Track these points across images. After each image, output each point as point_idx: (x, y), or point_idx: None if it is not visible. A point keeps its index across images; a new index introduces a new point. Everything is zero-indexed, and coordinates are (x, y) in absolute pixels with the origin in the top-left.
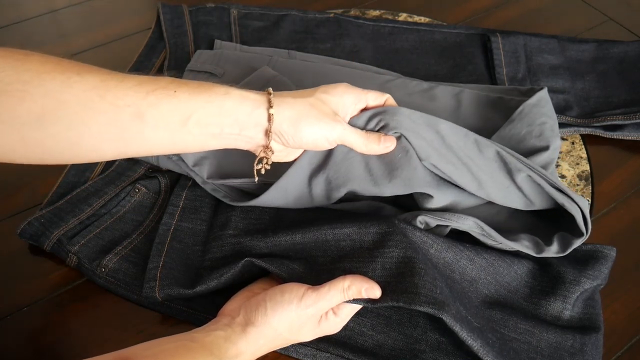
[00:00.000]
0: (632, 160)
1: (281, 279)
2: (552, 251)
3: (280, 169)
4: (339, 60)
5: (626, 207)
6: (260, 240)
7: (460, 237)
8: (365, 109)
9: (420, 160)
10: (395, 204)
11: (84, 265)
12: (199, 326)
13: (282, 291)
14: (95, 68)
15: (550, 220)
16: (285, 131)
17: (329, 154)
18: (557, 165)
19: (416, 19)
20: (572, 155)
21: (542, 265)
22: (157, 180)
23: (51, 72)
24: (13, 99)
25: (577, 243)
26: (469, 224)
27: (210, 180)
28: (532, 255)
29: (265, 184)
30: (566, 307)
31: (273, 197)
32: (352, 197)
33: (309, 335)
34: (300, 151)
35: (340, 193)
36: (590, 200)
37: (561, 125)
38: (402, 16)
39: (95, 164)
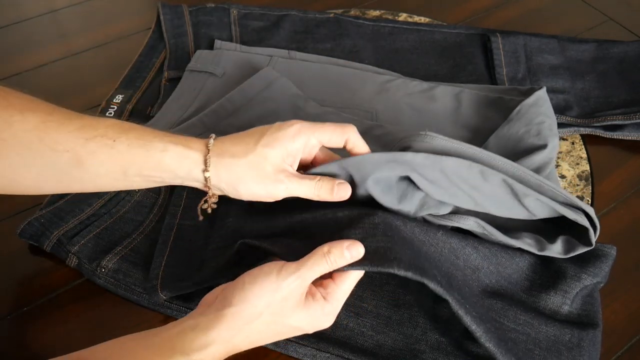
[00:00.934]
0: (632, 160)
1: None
2: (555, 251)
3: None
4: (339, 61)
5: (626, 207)
6: (260, 223)
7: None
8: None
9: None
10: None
11: (84, 265)
12: None
13: (262, 267)
14: (39, 105)
15: (553, 222)
16: (225, 189)
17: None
18: (557, 166)
19: (416, 19)
20: (572, 155)
21: (544, 260)
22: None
23: None
24: None
25: (581, 251)
26: (470, 223)
27: None
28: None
29: None
30: (565, 302)
31: None
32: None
33: (295, 318)
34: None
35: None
36: (590, 200)
37: (561, 125)
38: (402, 16)
39: None
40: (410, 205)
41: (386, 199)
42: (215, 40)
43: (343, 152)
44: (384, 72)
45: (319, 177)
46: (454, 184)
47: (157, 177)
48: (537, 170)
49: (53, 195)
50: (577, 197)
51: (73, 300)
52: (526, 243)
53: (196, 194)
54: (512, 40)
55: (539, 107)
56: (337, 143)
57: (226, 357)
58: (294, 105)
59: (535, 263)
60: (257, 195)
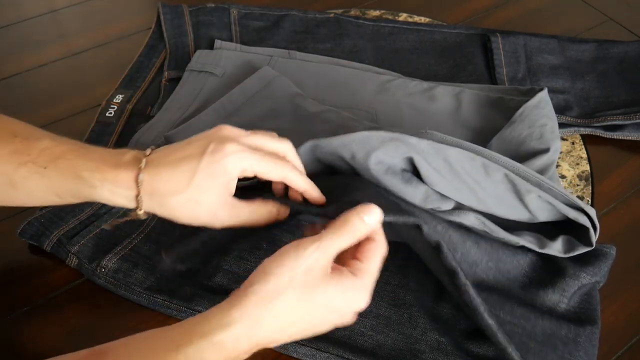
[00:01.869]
0: (632, 160)
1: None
2: (555, 249)
3: None
4: (339, 60)
5: (626, 207)
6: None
7: None
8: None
9: (427, 184)
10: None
11: (84, 265)
12: None
13: (281, 249)
14: None
15: (554, 223)
16: (162, 217)
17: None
18: (558, 166)
19: (416, 19)
20: (572, 155)
21: (544, 259)
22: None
23: None
24: None
25: (581, 251)
26: (471, 219)
27: None
28: (535, 250)
29: None
30: (563, 300)
31: None
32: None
33: (326, 292)
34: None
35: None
36: (590, 200)
37: (561, 125)
38: (402, 16)
39: None
40: (414, 193)
41: (391, 181)
42: (216, 40)
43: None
44: (384, 72)
45: (256, 203)
46: (457, 175)
47: (95, 202)
48: (539, 173)
49: None
50: (577, 197)
51: (73, 300)
52: (527, 240)
53: None
54: (512, 40)
55: (542, 109)
56: (275, 179)
57: (250, 346)
58: (293, 104)
59: (535, 261)
60: (196, 224)
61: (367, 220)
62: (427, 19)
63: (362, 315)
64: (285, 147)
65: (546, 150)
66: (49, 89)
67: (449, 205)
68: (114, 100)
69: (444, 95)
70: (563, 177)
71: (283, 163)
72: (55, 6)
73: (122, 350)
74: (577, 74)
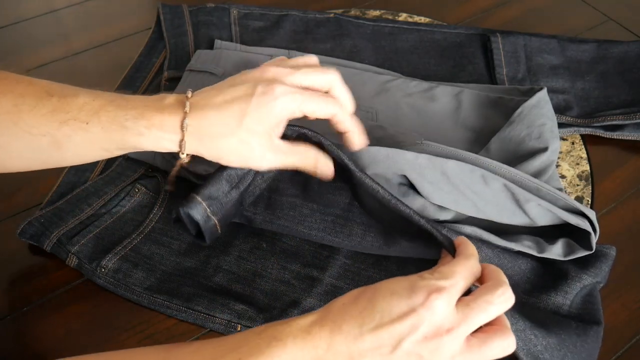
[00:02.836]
0: (632, 160)
1: None
2: (555, 253)
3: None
4: (339, 60)
5: (626, 207)
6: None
7: None
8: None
9: (424, 197)
10: None
11: (84, 265)
12: (200, 326)
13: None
14: (12, 85)
15: (553, 226)
16: (206, 158)
17: None
18: (557, 166)
19: (416, 19)
20: (572, 155)
21: (545, 263)
22: (157, 180)
23: None
24: None
25: (581, 254)
26: (467, 232)
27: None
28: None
29: None
30: (566, 302)
31: None
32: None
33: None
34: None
35: None
36: (590, 200)
37: (561, 125)
38: (402, 16)
39: (95, 163)
40: (410, 205)
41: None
42: (215, 40)
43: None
44: (384, 72)
45: (301, 148)
46: (455, 187)
47: (140, 150)
48: (538, 173)
49: (53, 195)
50: (577, 197)
51: (73, 300)
52: (525, 246)
53: None
54: (512, 40)
55: (541, 108)
56: (323, 117)
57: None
58: None
59: (537, 266)
60: (244, 167)
61: (504, 300)
62: (427, 19)
63: None
64: (332, 77)
65: (545, 150)
66: None
67: (447, 216)
68: None
69: (444, 95)
70: (563, 177)
71: (332, 100)
72: (55, 6)
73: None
74: (577, 74)
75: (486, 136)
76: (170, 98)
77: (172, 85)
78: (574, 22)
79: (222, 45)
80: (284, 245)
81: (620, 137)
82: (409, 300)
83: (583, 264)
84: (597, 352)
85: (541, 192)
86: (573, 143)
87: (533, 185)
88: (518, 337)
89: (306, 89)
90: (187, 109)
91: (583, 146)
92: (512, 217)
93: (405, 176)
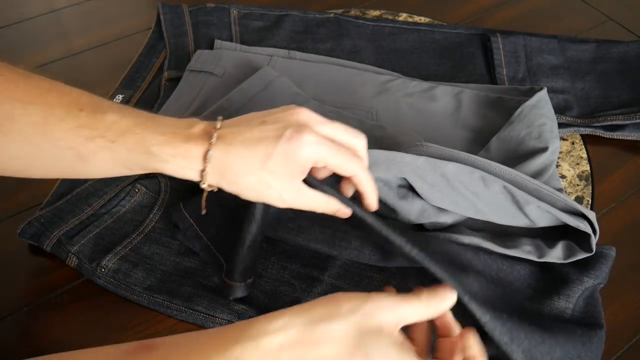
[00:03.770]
0: (632, 160)
1: None
2: (554, 256)
3: None
4: (339, 61)
5: (626, 207)
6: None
7: None
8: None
9: (423, 199)
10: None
11: (84, 265)
12: (200, 326)
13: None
14: (43, 95)
15: (553, 228)
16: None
17: None
18: (558, 166)
19: (416, 19)
20: (572, 155)
21: (544, 267)
22: (157, 180)
23: None
24: None
25: (581, 256)
26: (465, 242)
27: None
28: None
29: None
30: (569, 306)
31: None
32: None
33: (377, 353)
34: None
35: None
36: (590, 200)
37: (561, 125)
38: (402, 16)
39: None
40: (409, 209)
41: (387, 195)
42: (215, 40)
43: None
44: (384, 72)
45: (321, 196)
46: (455, 189)
47: (163, 173)
48: (538, 173)
49: (53, 195)
50: (577, 197)
51: (73, 300)
52: (525, 251)
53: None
54: (512, 40)
55: (540, 108)
56: (346, 175)
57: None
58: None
59: (536, 271)
60: (261, 202)
61: (443, 300)
62: (427, 19)
63: None
64: (360, 143)
65: (545, 149)
66: None
67: (446, 218)
68: (114, 100)
69: (444, 95)
70: (563, 177)
71: (357, 160)
72: (56, 6)
73: (171, 346)
74: (577, 74)
75: (486, 136)
76: (199, 126)
77: (172, 85)
78: (574, 22)
79: (222, 45)
80: (284, 246)
81: (620, 137)
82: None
83: (583, 266)
84: (599, 356)
85: (541, 193)
86: (573, 143)
87: (533, 186)
88: (525, 357)
89: (333, 141)
90: (214, 140)
91: (583, 146)
92: (511, 219)
93: (405, 178)
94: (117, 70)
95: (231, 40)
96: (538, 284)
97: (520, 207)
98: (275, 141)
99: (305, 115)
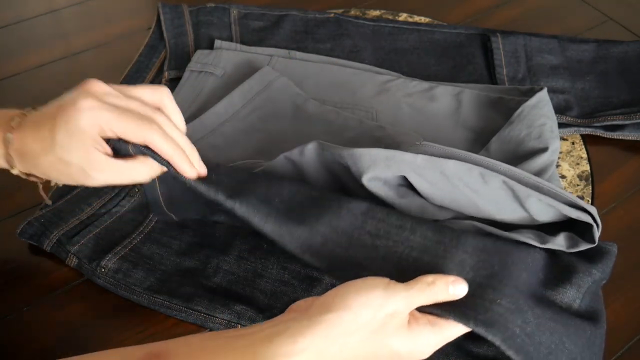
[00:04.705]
0: (632, 160)
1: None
2: (557, 244)
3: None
4: (339, 60)
5: (626, 207)
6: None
7: None
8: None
9: (423, 197)
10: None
11: (84, 265)
12: (200, 326)
13: (365, 279)
14: None
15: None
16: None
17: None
18: (558, 166)
19: (416, 19)
20: (572, 155)
21: (552, 256)
22: (156, 180)
23: None
24: None
25: (584, 247)
26: (465, 225)
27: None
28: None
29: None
30: (578, 296)
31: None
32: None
33: (397, 341)
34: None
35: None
36: (590, 200)
37: (561, 125)
38: (402, 16)
39: None
40: (409, 207)
41: (387, 193)
42: (215, 40)
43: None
44: (384, 72)
45: (136, 161)
46: (454, 187)
47: None
48: (538, 173)
49: (53, 195)
50: (577, 197)
51: (73, 300)
52: (526, 237)
53: None
54: (512, 40)
55: (540, 108)
56: (136, 141)
57: None
58: (294, 105)
59: (544, 257)
60: (73, 184)
61: (452, 291)
62: (427, 19)
63: None
64: (159, 95)
65: (545, 150)
66: (49, 89)
67: (447, 215)
68: None
69: (444, 96)
70: (563, 177)
71: (146, 124)
72: (55, 6)
73: (183, 351)
74: (577, 74)
75: (486, 136)
76: (10, 113)
77: (172, 85)
78: (574, 22)
79: (222, 45)
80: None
81: (620, 137)
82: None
83: (590, 259)
84: (601, 356)
85: (541, 188)
86: (573, 143)
87: (533, 182)
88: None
89: (118, 106)
90: (14, 123)
91: (583, 146)
92: (512, 214)
93: (404, 177)
94: (117, 70)
95: (231, 40)
96: (547, 269)
97: (520, 202)
98: (58, 111)
99: (93, 84)
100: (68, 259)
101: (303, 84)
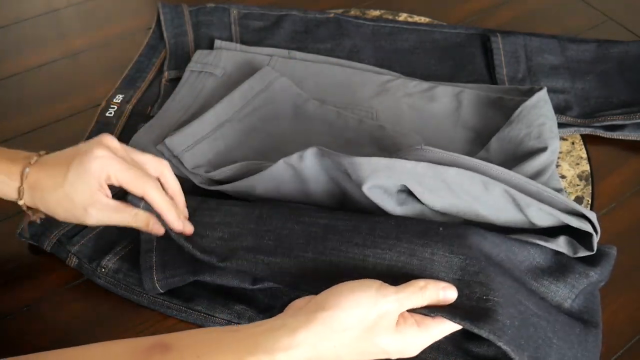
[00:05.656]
0: (632, 160)
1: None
2: (559, 245)
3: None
4: (339, 60)
5: (626, 207)
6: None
7: None
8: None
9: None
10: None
11: (84, 265)
12: (200, 326)
13: (360, 280)
14: None
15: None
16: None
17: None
18: (558, 166)
19: (416, 19)
20: (572, 155)
21: (549, 254)
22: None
23: None
24: None
25: (583, 254)
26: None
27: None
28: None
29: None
30: (570, 296)
31: (262, 180)
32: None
33: (386, 340)
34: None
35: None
36: (590, 200)
37: (561, 125)
38: (402, 16)
39: None
40: (408, 213)
41: (385, 203)
42: (215, 40)
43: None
44: (384, 72)
45: (128, 210)
46: (455, 194)
47: None
48: (538, 173)
49: None
50: (577, 197)
51: (73, 300)
52: (528, 236)
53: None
54: (512, 40)
55: (540, 108)
56: (135, 192)
57: None
58: (294, 105)
59: (545, 254)
60: (71, 221)
61: (442, 296)
62: (427, 19)
63: None
64: (160, 165)
65: (544, 149)
66: (49, 89)
67: (446, 220)
68: (114, 100)
69: (444, 95)
70: (563, 177)
71: (147, 179)
72: (55, 6)
73: (187, 348)
74: (577, 74)
75: (486, 136)
76: (27, 153)
77: (172, 85)
78: (574, 22)
79: (222, 45)
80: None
81: (620, 137)
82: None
83: (589, 261)
84: (597, 356)
85: (542, 195)
86: (573, 143)
87: (534, 189)
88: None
89: (124, 159)
90: (33, 160)
91: (583, 146)
92: (512, 220)
93: (403, 185)
94: (117, 70)
95: (231, 40)
96: (545, 265)
97: (521, 210)
98: (73, 157)
99: (107, 138)
100: (68, 259)
101: (303, 84)
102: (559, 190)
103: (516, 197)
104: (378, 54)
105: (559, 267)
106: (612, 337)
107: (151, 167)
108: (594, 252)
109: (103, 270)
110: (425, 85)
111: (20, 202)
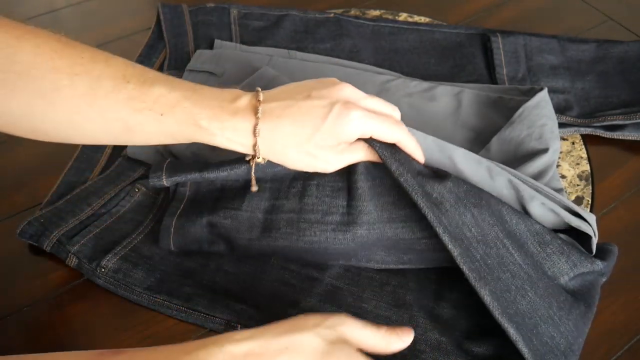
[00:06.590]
0: (632, 160)
1: None
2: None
3: None
4: (339, 60)
5: (626, 207)
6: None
7: None
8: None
9: None
10: None
11: (84, 265)
12: (200, 326)
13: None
14: (87, 68)
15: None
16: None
17: None
18: (558, 166)
19: (416, 19)
20: (572, 155)
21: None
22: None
23: (42, 68)
24: (5, 91)
25: None
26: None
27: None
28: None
29: None
30: (569, 273)
31: None
32: None
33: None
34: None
35: None
36: (590, 200)
37: (561, 125)
38: (402, 16)
39: (94, 164)
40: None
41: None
42: (215, 40)
43: None
44: (384, 72)
45: (360, 146)
46: (460, 174)
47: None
48: (539, 174)
49: (52, 195)
50: (577, 197)
51: (73, 300)
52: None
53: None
54: (512, 40)
55: (541, 109)
56: (390, 141)
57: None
58: None
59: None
60: (309, 170)
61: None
62: (427, 19)
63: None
64: (397, 112)
65: (545, 150)
66: None
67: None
68: None
69: (444, 95)
70: (563, 177)
71: (400, 126)
72: (55, 6)
73: (137, 352)
74: (577, 74)
75: (486, 136)
76: (244, 99)
77: None
78: (574, 22)
79: (222, 45)
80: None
81: (620, 137)
82: None
83: (596, 255)
84: (585, 332)
85: (542, 194)
86: (573, 143)
87: (534, 186)
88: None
89: (375, 113)
90: (260, 114)
91: (583, 146)
92: None
93: None
94: None
95: (231, 40)
96: (554, 239)
97: (523, 204)
98: (324, 117)
99: (349, 91)
100: (68, 259)
101: None
102: (559, 191)
103: (520, 188)
104: (378, 53)
105: (567, 244)
106: (612, 337)
107: (387, 112)
108: (593, 253)
109: (103, 270)
110: (425, 85)
111: (258, 159)
